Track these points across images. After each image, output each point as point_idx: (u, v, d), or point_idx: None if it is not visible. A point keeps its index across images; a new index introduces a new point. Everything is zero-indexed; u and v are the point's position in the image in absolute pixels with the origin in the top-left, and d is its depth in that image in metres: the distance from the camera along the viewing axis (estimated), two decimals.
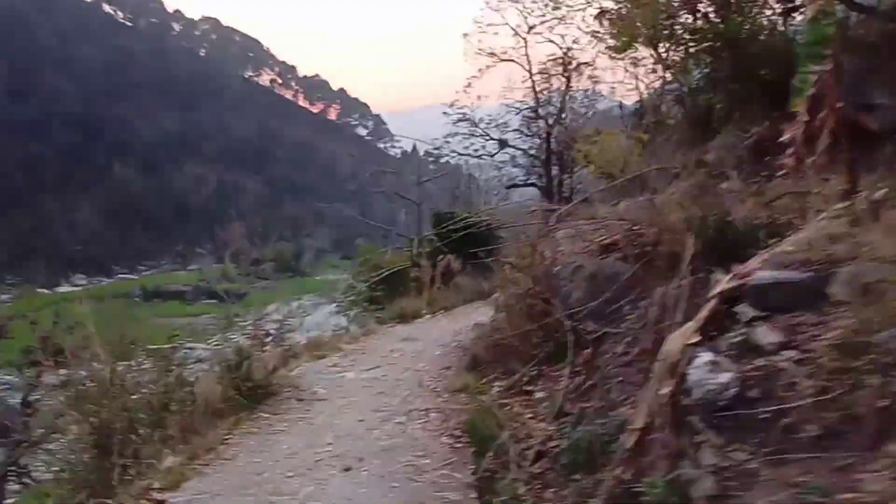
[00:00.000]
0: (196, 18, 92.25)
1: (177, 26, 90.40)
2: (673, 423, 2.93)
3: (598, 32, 13.85)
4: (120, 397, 4.37)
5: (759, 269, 3.17)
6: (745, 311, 3.11)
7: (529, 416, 4.36)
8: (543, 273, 5.27)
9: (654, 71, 10.96)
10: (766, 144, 7.34)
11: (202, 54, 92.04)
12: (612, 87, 21.40)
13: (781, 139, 5.20)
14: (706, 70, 8.94)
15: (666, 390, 3.00)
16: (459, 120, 21.43)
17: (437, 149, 22.75)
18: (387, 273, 15.20)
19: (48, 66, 69.39)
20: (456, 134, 21.81)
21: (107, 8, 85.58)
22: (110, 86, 73.93)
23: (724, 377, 2.69)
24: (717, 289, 3.30)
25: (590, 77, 21.01)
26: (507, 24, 19.74)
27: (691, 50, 9.30)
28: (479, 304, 9.40)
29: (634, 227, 4.97)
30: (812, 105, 5.13)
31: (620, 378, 3.98)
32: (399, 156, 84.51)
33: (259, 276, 59.30)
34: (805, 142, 5.10)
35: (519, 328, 5.47)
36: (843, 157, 4.92)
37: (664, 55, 10.46)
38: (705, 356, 2.89)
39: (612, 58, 12.80)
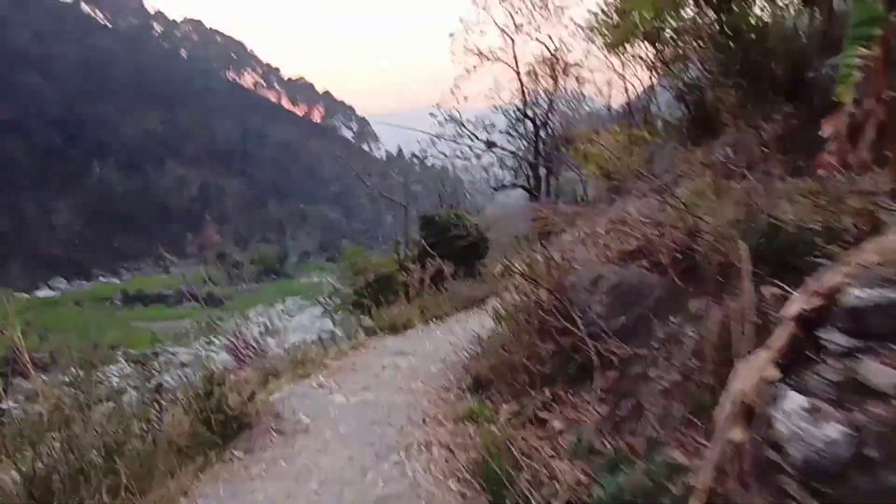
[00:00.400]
0: (178, 20, 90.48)
1: (158, 27, 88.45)
2: (753, 481, 2.30)
3: (592, 27, 13.32)
4: (65, 434, 3.62)
5: (848, 286, 2.53)
6: (833, 338, 2.48)
7: (550, 452, 3.68)
8: (557, 282, 4.59)
9: (651, 68, 10.39)
10: (788, 140, 6.77)
11: (183, 55, 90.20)
12: (600, 88, 21.01)
13: (821, 132, 4.61)
14: (714, 65, 8.37)
15: (739, 437, 2.36)
16: (446, 121, 20.79)
17: (423, 150, 22.04)
18: (374, 277, 14.48)
19: (25, 65, 67.31)
20: (443, 136, 21.18)
21: (85, 8, 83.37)
22: (89, 86, 72.04)
23: (832, 430, 2.04)
24: (793, 309, 2.67)
25: (577, 78, 20.55)
26: (494, 22, 19.19)
27: (695, 44, 8.76)
28: (474, 312, 8.71)
29: (661, 231, 4.31)
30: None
31: (662, 410, 3.34)
32: (384, 158, 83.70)
33: (243, 278, 58.21)
34: (849, 135, 4.50)
35: (527, 344, 4.80)
36: (892, 150, 4.33)
37: (664, 49, 9.93)
38: (795, 398, 2.25)
39: (606, 54, 12.24)
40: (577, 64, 19.89)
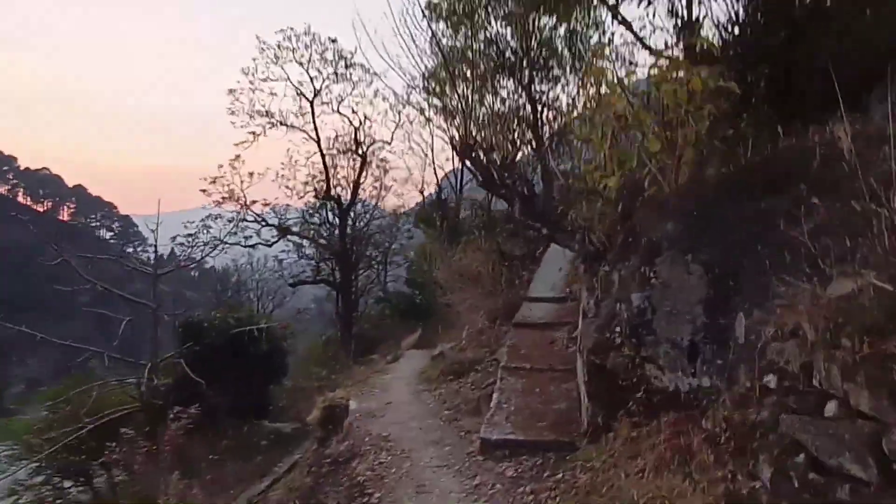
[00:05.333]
0: None
1: None
2: None
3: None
4: None
5: None
6: None
7: None
8: None
9: None
10: None
11: None
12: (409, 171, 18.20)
13: None
14: None
15: None
16: (224, 198, 15.26)
17: (191, 235, 15.84)
18: (88, 426, 8.24)
19: None
20: (218, 216, 15.57)
21: None
22: None
23: None
24: None
25: (380, 164, 17.39)
26: (287, 79, 15.12)
27: None
28: None
29: None
30: None
31: None
32: (153, 260, 70.62)
33: None
34: None
35: None
36: None
37: None
38: None
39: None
40: (383, 142, 16.78)
